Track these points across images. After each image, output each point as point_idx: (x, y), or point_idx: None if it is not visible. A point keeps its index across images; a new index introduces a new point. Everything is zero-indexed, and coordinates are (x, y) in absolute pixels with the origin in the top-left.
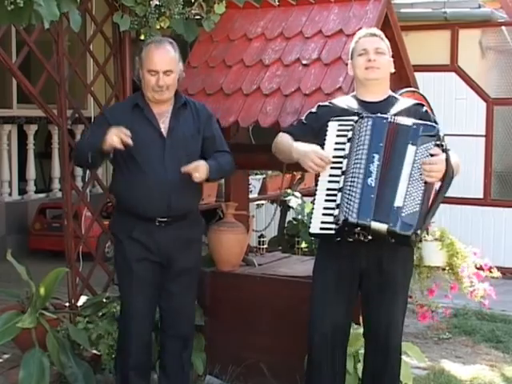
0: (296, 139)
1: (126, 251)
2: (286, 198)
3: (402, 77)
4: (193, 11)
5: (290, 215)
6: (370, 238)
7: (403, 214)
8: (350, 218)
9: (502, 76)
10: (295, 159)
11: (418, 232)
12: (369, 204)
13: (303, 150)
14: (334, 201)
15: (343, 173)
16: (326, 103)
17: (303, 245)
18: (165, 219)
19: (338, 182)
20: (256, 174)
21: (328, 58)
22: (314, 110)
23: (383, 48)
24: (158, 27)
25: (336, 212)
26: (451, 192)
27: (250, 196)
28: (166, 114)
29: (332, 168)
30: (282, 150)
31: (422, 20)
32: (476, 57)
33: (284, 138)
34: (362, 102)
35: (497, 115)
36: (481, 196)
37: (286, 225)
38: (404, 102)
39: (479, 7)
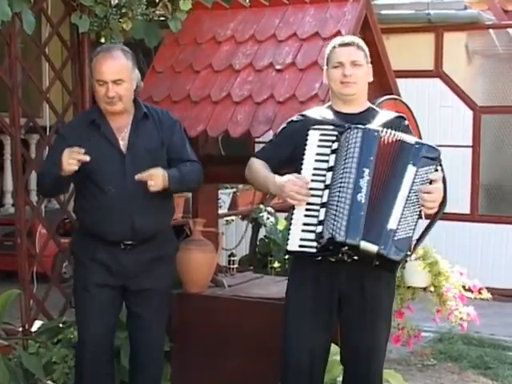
0: (271, 163)
1: (87, 274)
2: (258, 214)
3: (383, 83)
4: (157, 12)
5: (262, 232)
6: (355, 258)
7: (396, 238)
8: (338, 237)
9: (490, 82)
10: (273, 193)
11: (407, 259)
12: (358, 222)
13: (279, 182)
14: (316, 216)
15: (327, 187)
16: (299, 117)
17: (276, 264)
18: (130, 242)
19: (319, 196)
20: (226, 188)
21: (303, 63)
22: (285, 125)
23: (360, 59)
24: (120, 29)
25: (319, 229)
26: None
27: (220, 212)
28: (125, 127)
29: (313, 181)
30: (258, 182)
31: (404, 22)
32: (462, 62)
33: (258, 167)
34: (339, 114)
35: (484, 124)
36: (467, 211)
37: (257, 243)
38: (384, 114)
39: (465, 9)
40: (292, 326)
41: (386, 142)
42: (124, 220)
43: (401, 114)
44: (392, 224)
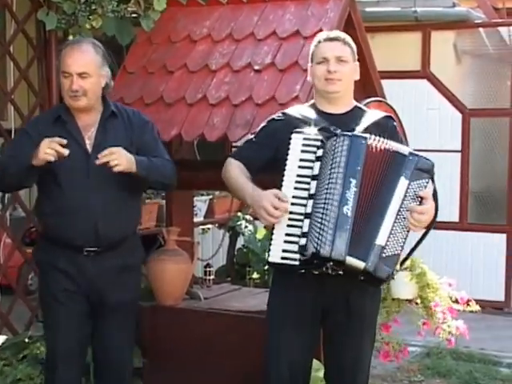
0: (251, 165)
1: (52, 284)
2: (236, 223)
3: (367, 84)
4: (129, 8)
5: (240, 242)
6: (340, 272)
7: (384, 255)
8: (322, 251)
9: (480, 84)
10: (248, 203)
11: (394, 277)
12: (344, 236)
13: (257, 197)
14: (299, 227)
15: (311, 196)
16: (280, 115)
17: (255, 275)
18: (94, 248)
19: (303, 205)
20: (202, 195)
21: (283, 63)
22: (265, 124)
23: (346, 55)
24: (89, 27)
25: (303, 241)
26: None
27: (195, 220)
28: (92, 126)
29: (296, 189)
30: (234, 188)
31: (390, 20)
32: (450, 62)
33: (236, 173)
34: (322, 114)
35: (474, 128)
36: (456, 219)
37: (235, 253)
38: (371, 114)
39: (453, 6)
40: (274, 338)
41: (375, 150)
42: (87, 224)
43: (388, 114)
44: (380, 240)
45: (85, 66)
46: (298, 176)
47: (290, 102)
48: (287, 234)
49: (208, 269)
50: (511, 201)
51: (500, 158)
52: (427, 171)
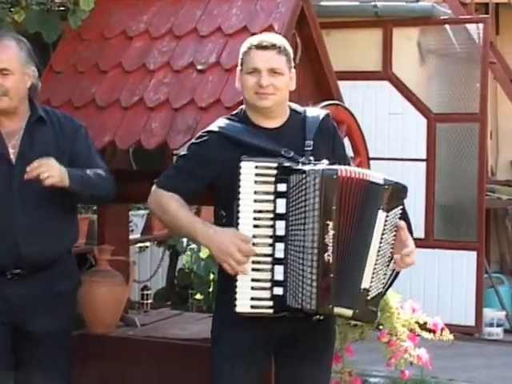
0: (185, 197)
1: None
2: (177, 240)
3: (322, 86)
4: (56, 1)
5: (181, 261)
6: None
7: (369, 298)
8: (308, 307)
9: (447, 86)
10: (201, 243)
11: (378, 315)
12: (329, 287)
13: (218, 238)
14: (266, 271)
15: (280, 239)
16: (212, 135)
17: (198, 296)
18: (17, 271)
19: (268, 245)
20: (138, 209)
21: (229, 63)
22: (197, 148)
23: (281, 67)
24: (11, 20)
25: (278, 291)
26: None
27: (131, 237)
28: (17, 133)
29: (257, 227)
30: (176, 224)
31: (348, 16)
32: (414, 62)
33: (175, 208)
34: (258, 128)
35: (440, 134)
36: (421, 235)
37: (176, 273)
38: (312, 116)
39: (417, 1)
40: (219, 370)
41: (347, 183)
42: (9, 244)
43: (326, 112)
44: (365, 283)
45: (6, 62)
46: (256, 212)
47: (236, 106)
48: (254, 280)
49: (145, 292)
50: (481, 215)
51: (469, 167)
52: (402, 197)
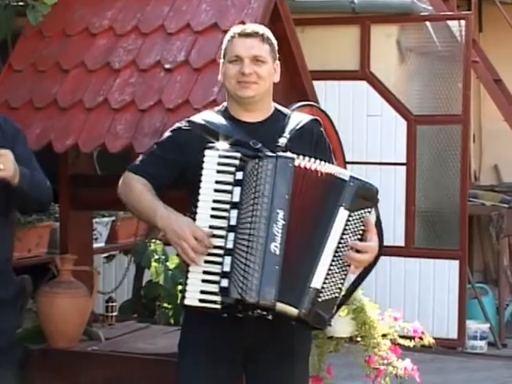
0: (154, 183)
1: None
2: (144, 249)
3: (296, 86)
4: None
5: (148, 271)
6: (268, 317)
7: (320, 300)
8: (248, 298)
9: (427, 86)
10: (159, 227)
11: (331, 323)
12: (273, 278)
13: (175, 221)
14: (219, 263)
15: (232, 228)
16: (187, 125)
17: (166, 304)
18: None
19: (222, 237)
20: (103, 216)
21: (198, 62)
22: (170, 134)
23: (264, 55)
24: None
25: (224, 282)
26: None
27: (95, 246)
28: None
29: (214, 217)
30: (138, 207)
31: (323, 12)
32: (393, 61)
33: (139, 188)
34: (238, 123)
35: (420, 137)
36: (402, 244)
37: (143, 284)
38: (295, 119)
39: None
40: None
41: (305, 173)
42: None
43: (315, 117)
44: (316, 282)
45: None
46: (215, 202)
47: (206, 107)
48: (205, 272)
49: (110, 304)
50: (464, 221)
51: (451, 171)
52: (370, 198)
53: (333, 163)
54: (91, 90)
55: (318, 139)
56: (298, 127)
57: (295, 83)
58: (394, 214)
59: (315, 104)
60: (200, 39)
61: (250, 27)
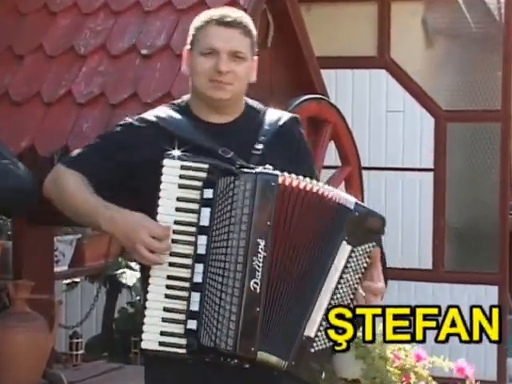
0: (91, 179)
1: None
2: (116, 272)
3: (301, 76)
4: None
5: (122, 299)
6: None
7: (312, 350)
8: (224, 346)
9: (459, 76)
10: (104, 230)
11: (323, 376)
12: (254, 324)
13: (124, 223)
14: (183, 298)
15: (200, 258)
16: (140, 121)
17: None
18: None
19: (186, 266)
20: (66, 234)
21: (182, 46)
22: (118, 129)
23: (244, 51)
24: None
25: (192, 324)
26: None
27: (57, 269)
28: None
29: (175, 241)
30: (72, 205)
31: None
32: (418, 45)
33: (73, 183)
34: (201, 123)
35: (451, 137)
36: (429, 266)
37: (115, 315)
38: (271, 116)
39: None
40: None
41: (294, 195)
42: None
43: (294, 116)
44: (309, 330)
45: None
46: (177, 224)
47: None
48: (166, 310)
49: (75, 340)
50: (504, 239)
51: (488, 179)
52: (377, 231)
53: (316, 175)
54: (51, 80)
55: (299, 142)
56: (275, 128)
57: (299, 72)
58: (420, 230)
59: (324, 97)
60: (183, 19)
61: (230, 14)
